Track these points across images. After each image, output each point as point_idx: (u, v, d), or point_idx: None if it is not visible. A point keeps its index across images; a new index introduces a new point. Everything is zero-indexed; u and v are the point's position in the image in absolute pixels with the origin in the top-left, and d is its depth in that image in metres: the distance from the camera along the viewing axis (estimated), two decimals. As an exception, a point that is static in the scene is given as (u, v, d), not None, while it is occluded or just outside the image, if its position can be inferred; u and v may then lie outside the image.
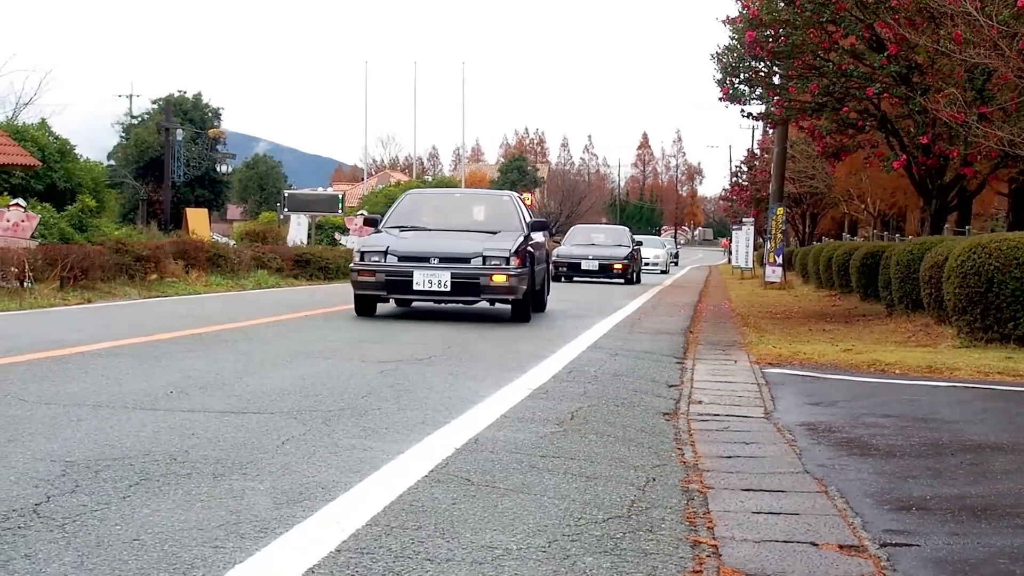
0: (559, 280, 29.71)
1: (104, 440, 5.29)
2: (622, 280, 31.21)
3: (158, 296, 18.64)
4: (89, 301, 16.52)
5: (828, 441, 6.33)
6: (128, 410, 6.19)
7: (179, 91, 66.38)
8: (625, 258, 31.76)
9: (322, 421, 6.04)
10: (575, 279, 31.12)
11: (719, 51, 22.10)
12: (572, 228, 38.71)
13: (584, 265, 31.28)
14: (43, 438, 5.29)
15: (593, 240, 34.01)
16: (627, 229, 38.12)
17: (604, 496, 4.65)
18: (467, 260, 13.80)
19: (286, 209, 39.64)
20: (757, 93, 20.81)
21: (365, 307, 14.39)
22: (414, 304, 15.52)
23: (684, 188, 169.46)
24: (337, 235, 39.66)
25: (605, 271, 31.28)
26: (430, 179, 70.49)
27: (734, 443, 6.24)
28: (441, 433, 5.82)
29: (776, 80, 20.11)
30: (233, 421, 5.95)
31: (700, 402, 7.82)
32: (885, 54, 16.67)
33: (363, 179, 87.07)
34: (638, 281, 32.49)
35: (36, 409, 6.12)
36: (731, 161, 78.33)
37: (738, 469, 5.49)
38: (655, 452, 5.80)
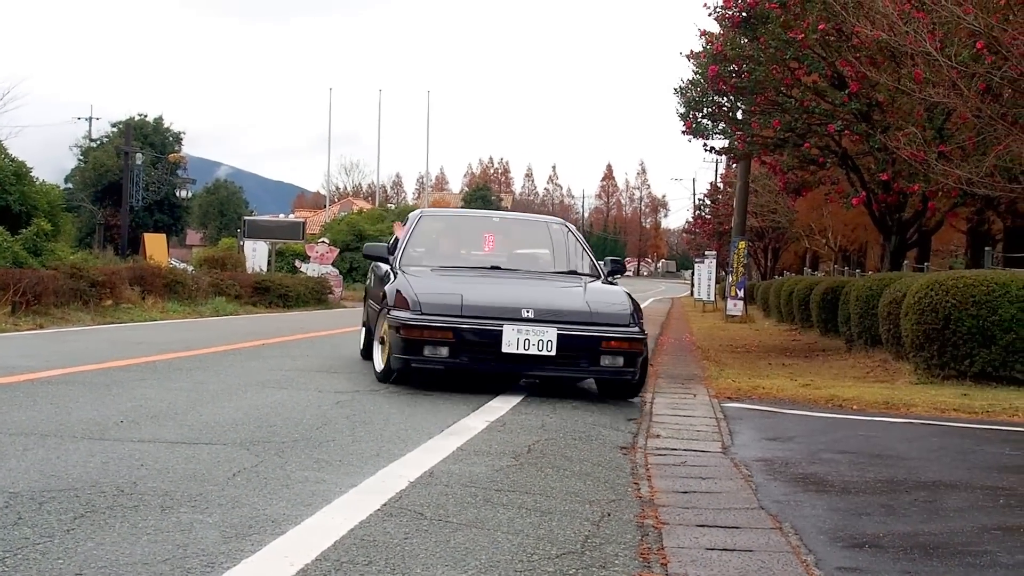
0: None
1: (50, 471, 5.19)
2: None
3: (113, 322, 18.45)
4: (41, 327, 16.33)
5: (784, 477, 6.31)
6: (76, 440, 6.09)
7: (139, 115, 65.95)
8: None
9: (275, 453, 5.97)
10: None
11: (682, 85, 22.09)
12: None
13: None
14: (-12, 467, 5.19)
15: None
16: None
17: (558, 531, 4.60)
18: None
19: (245, 236, 39.39)
20: (720, 128, 20.95)
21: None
22: None
23: (648, 220, 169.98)
24: (298, 262, 39.49)
25: None
26: (393, 207, 70.41)
27: (691, 478, 6.21)
28: (396, 466, 5.75)
29: (739, 115, 20.24)
30: (184, 452, 5.86)
31: (658, 436, 7.79)
32: (846, 91, 16.83)
33: (326, 206, 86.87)
34: None
35: (-18, 437, 6.01)
36: (694, 194, 78.77)
37: (694, 504, 5.46)
38: (611, 487, 5.76)
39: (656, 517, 5.09)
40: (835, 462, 6.85)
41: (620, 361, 9.30)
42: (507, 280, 10.25)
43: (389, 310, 9.48)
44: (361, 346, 12.35)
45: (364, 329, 12.29)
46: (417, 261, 10.81)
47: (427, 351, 9.09)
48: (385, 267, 11.05)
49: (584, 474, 6.02)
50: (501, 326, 9.04)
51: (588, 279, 10.72)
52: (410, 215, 12.10)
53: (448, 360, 9.13)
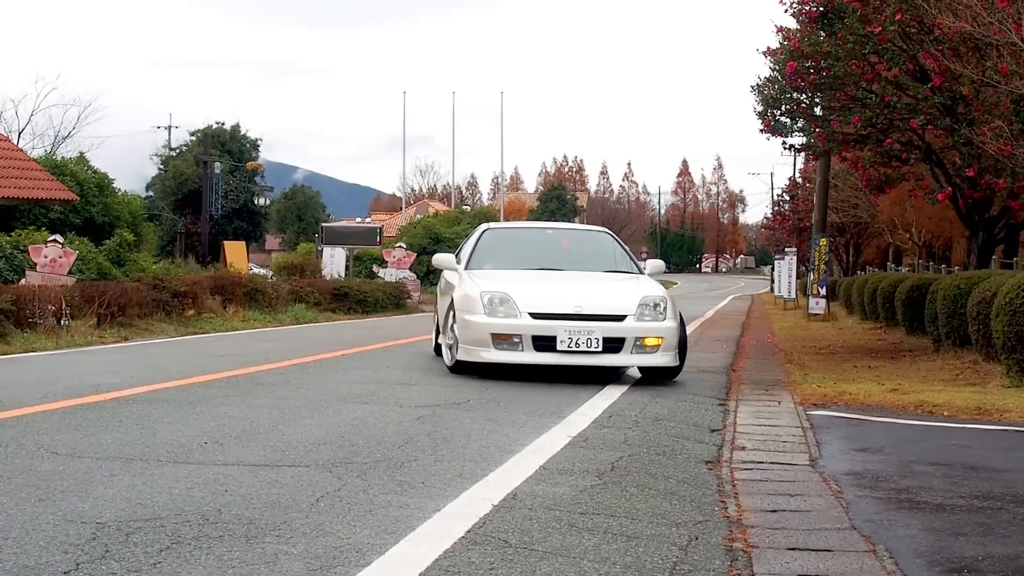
0: None
1: (136, 498, 5.19)
2: None
3: (195, 333, 18.64)
4: (126, 339, 16.53)
5: (875, 493, 6.16)
6: (161, 464, 6.11)
7: (217, 123, 66.48)
8: None
9: (357, 475, 5.93)
10: None
11: (759, 83, 21.77)
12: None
13: None
14: (75, 496, 5.20)
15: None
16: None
17: (645, 558, 4.52)
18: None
19: (323, 243, 39.57)
20: (799, 125, 20.64)
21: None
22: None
23: (725, 216, 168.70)
24: (375, 267, 39.63)
25: None
26: (469, 209, 70.57)
27: (779, 495, 6.08)
28: (479, 488, 5.69)
29: (818, 112, 19.92)
30: (267, 476, 5.84)
31: (743, 448, 7.66)
32: (929, 85, 16.48)
33: (402, 208, 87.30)
34: None
35: (68, 463, 6.03)
36: (772, 188, 77.89)
37: (783, 525, 5.34)
38: (697, 506, 5.65)
39: (745, 539, 4.98)
40: (927, 475, 6.68)
41: None
42: None
43: None
44: None
45: None
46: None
47: None
48: None
49: (669, 492, 5.93)
50: None
51: None
52: None
53: None
